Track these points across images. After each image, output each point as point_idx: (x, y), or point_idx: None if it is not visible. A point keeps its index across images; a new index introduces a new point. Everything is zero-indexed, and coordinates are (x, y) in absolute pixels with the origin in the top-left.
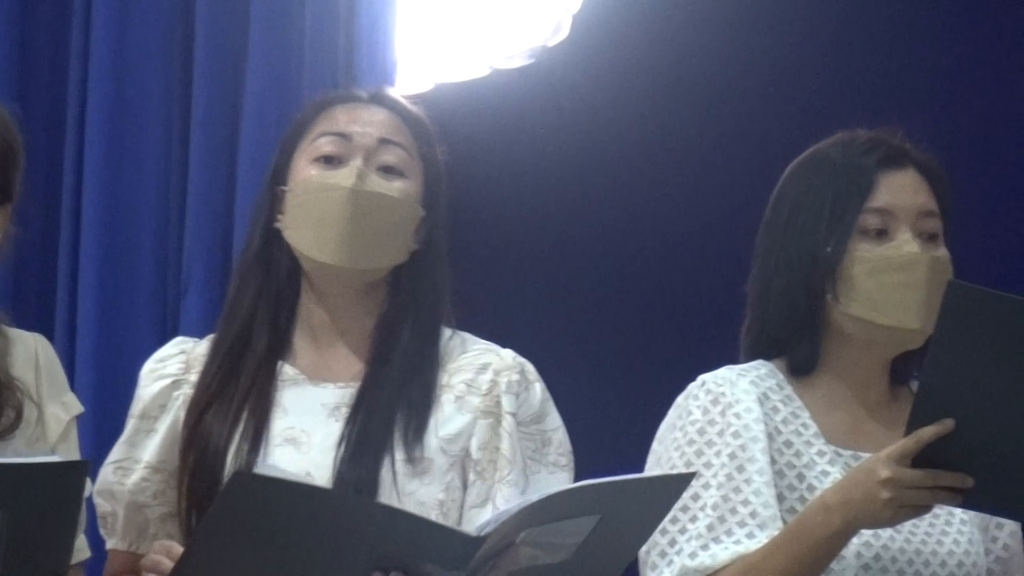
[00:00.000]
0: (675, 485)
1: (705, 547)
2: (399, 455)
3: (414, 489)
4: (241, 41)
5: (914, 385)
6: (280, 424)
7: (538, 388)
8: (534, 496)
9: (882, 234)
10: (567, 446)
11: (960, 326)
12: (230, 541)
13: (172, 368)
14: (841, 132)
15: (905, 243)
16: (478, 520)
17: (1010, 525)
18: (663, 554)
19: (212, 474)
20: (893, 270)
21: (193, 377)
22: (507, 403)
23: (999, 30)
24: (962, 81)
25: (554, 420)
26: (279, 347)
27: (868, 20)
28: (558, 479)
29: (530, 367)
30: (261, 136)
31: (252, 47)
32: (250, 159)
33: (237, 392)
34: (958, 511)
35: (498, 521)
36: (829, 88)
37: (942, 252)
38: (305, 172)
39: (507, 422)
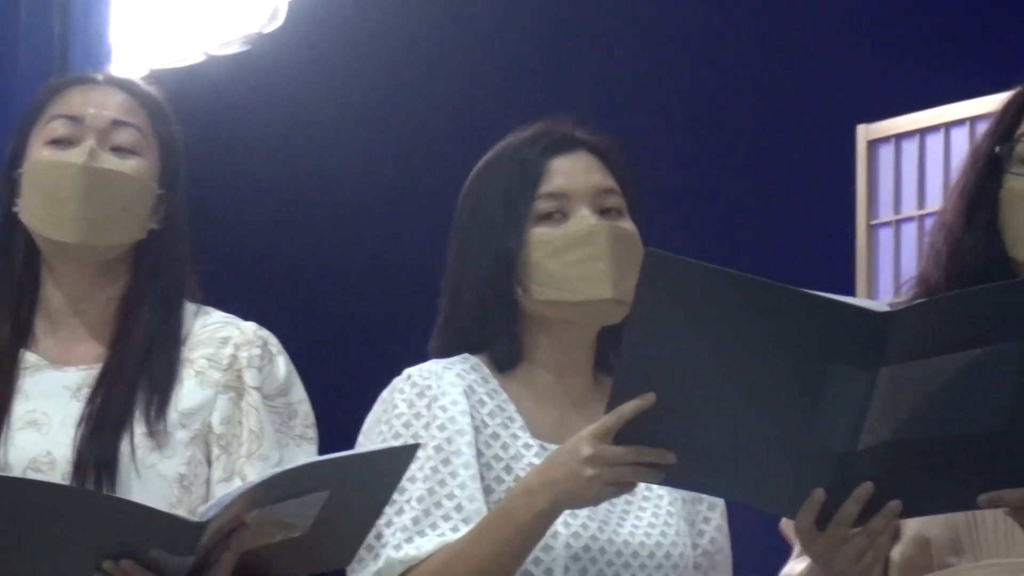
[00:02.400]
0: (400, 457)
1: (410, 540)
2: (139, 430)
3: (154, 463)
4: None
5: None
6: (21, 408)
7: (282, 361)
8: (257, 477)
9: (560, 217)
10: (312, 418)
11: (657, 296)
12: None
13: None
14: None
15: (583, 220)
16: None
17: (716, 519)
18: (370, 547)
19: None
20: (574, 246)
21: None
22: (249, 378)
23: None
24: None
25: (299, 392)
26: (21, 335)
27: (584, 19)
28: (305, 451)
29: (273, 339)
30: None
31: None
32: None
33: None
34: (665, 503)
35: (220, 505)
36: (544, 81)
37: (626, 223)
38: (38, 154)
39: (252, 397)
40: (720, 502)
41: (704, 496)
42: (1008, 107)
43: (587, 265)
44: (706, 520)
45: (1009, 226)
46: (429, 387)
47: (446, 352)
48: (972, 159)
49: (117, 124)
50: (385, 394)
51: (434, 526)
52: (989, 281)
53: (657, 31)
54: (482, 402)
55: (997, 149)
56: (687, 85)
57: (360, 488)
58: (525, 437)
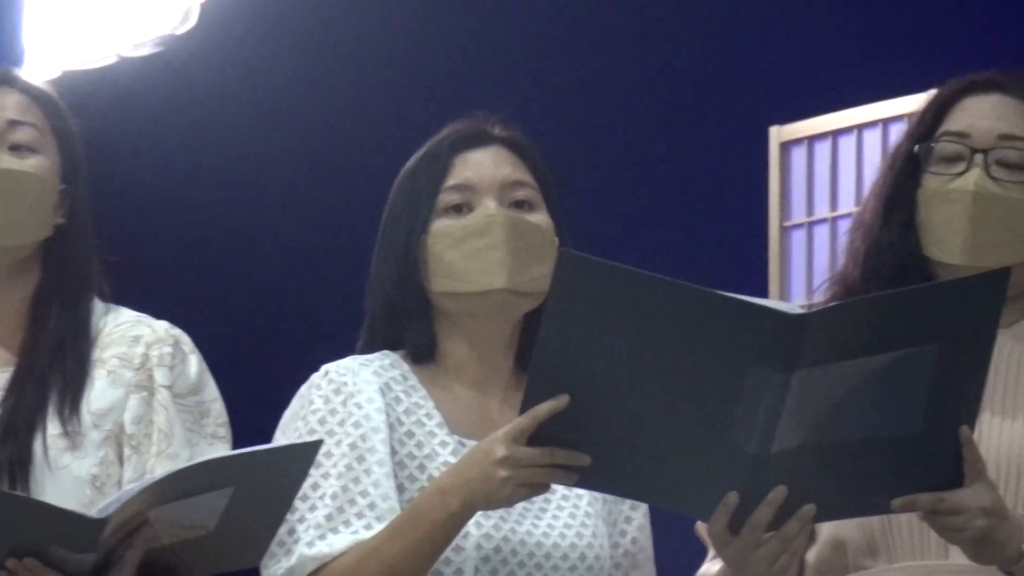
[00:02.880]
0: (303, 453)
1: (323, 536)
2: (52, 430)
3: (67, 463)
4: None
5: None
6: None
7: (194, 360)
8: (157, 474)
9: (466, 209)
10: (225, 417)
11: (572, 296)
12: None
13: None
14: None
15: (484, 210)
16: None
17: (638, 519)
18: (282, 543)
19: None
20: (472, 237)
21: None
22: (160, 376)
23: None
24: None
25: (212, 391)
26: None
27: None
28: (216, 450)
29: (185, 338)
30: None
31: None
32: None
33: None
34: (584, 504)
35: (120, 501)
36: (460, 81)
37: (534, 216)
38: None
39: (161, 395)
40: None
41: None
42: (928, 107)
43: (483, 255)
44: (628, 520)
45: (926, 225)
46: (345, 384)
47: (369, 349)
48: (891, 159)
49: (13, 124)
50: (303, 390)
51: (347, 523)
52: (906, 280)
53: (568, 30)
54: (398, 399)
55: (916, 149)
56: (599, 84)
57: (264, 485)
58: (442, 434)
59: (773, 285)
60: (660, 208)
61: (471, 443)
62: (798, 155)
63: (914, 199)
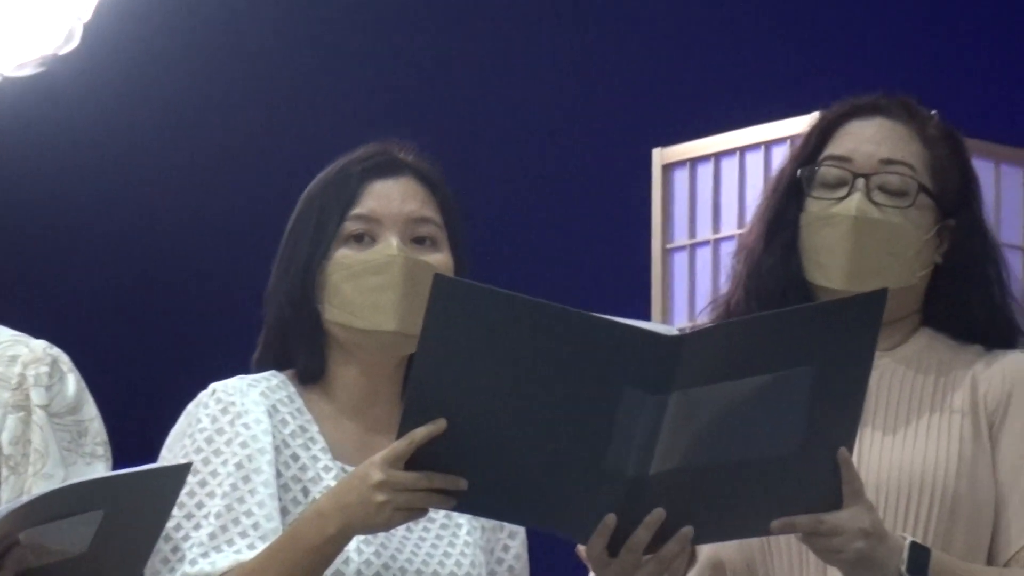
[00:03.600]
0: (174, 476)
1: (206, 555)
2: None
3: None
4: None
5: None
6: None
7: (72, 379)
8: (24, 497)
9: (369, 240)
10: (103, 436)
11: (446, 322)
12: None
13: None
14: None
15: (386, 247)
16: None
17: (515, 547)
18: (166, 560)
19: None
20: (370, 273)
21: None
22: (36, 396)
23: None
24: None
25: (90, 410)
26: None
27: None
28: (95, 469)
29: (64, 357)
30: None
31: None
32: None
33: None
34: (464, 532)
35: None
36: (351, 102)
37: (434, 256)
38: None
39: (37, 415)
40: (521, 530)
41: (505, 524)
42: (811, 131)
43: (378, 294)
44: (505, 548)
45: (808, 249)
46: (233, 403)
47: (261, 367)
48: (775, 182)
49: None
50: (190, 407)
51: (231, 543)
52: (788, 303)
53: (442, 53)
54: (284, 422)
55: (799, 173)
56: (481, 107)
57: (135, 507)
58: (325, 459)
59: (656, 307)
60: (543, 230)
61: (352, 469)
62: (680, 177)
63: (797, 223)
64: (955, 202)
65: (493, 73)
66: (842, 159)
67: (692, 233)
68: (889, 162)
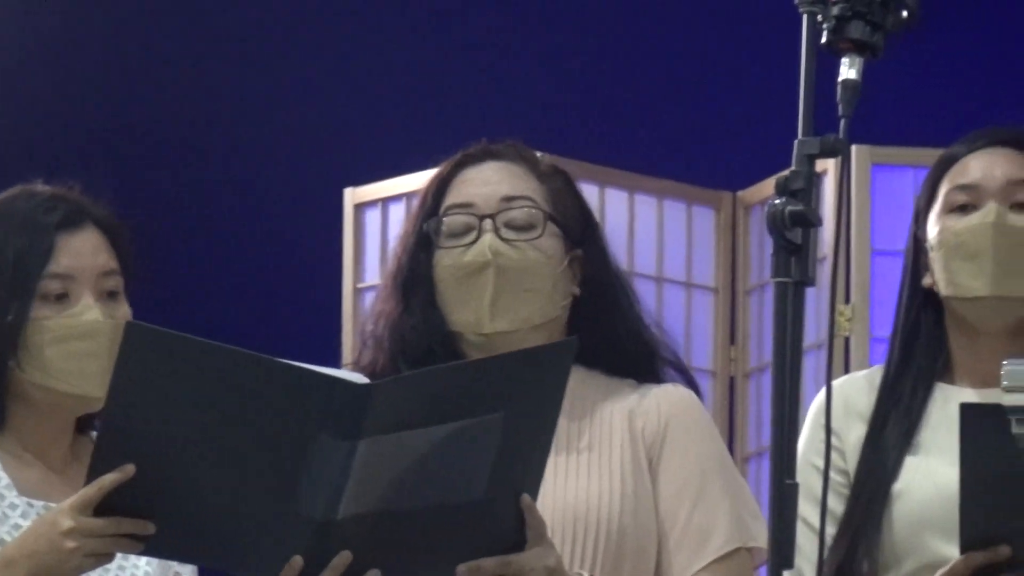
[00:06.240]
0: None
1: None
2: None
3: None
4: None
5: None
6: None
7: None
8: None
9: (69, 300)
10: None
11: (137, 368)
12: None
13: None
14: (22, 185)
15: (87, 309)
16: None
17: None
18: None
19: None
20: (75, 338)
21: None
22: None
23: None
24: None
25: None
26: None
27: None
28: None
29: None
30: None
31: None
32: None
33: None
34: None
35: None
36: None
37: (121, 309)
38: None
39: None
40: None
41: None
42: (428, 188)
43: (85, 360)
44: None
45: (445, 300)
46: None
47: None
48: (401, 243)
49: None
50: None
51: None
52: (435, 360)
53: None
54: None
55: (424, 227)
56: (172, 144)
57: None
58: (11, 496)
59: (347, 347)
60: (234, 268)
61: (38, 504)
62: (372, 217)
63: (431, 277)
64: (579, 232)
65: (197, 107)
66: (464, 205)
67: (384, 273)
68: (510, 199)
